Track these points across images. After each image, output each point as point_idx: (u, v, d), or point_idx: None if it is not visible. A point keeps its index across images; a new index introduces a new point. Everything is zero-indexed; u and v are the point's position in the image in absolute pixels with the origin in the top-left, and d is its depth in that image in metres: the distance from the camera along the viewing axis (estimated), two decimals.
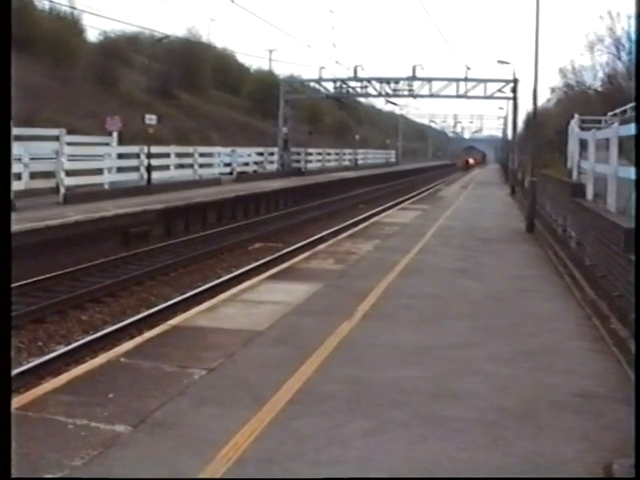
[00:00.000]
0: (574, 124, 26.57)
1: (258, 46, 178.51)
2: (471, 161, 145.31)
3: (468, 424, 7.37)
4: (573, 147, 25.07)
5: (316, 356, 9.54)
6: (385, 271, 16.14)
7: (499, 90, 58.62)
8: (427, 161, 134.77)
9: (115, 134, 35.28)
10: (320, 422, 7.30)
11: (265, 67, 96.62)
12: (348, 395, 8.16)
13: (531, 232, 24.84)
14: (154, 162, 37.05)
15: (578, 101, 49.35)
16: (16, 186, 27.34)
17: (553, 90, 64.51)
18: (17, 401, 7.85)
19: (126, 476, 6.20)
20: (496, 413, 7.69)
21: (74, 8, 57.94)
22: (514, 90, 58.30)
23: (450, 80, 58.55)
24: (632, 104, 20.23)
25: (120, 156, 36.00)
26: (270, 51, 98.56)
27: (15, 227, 19.87)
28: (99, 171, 33.61)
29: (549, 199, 26.59)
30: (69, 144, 31.12)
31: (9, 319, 4.95)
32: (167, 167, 40.19)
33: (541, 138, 36.14)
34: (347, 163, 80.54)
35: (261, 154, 55.89)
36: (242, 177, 47.66)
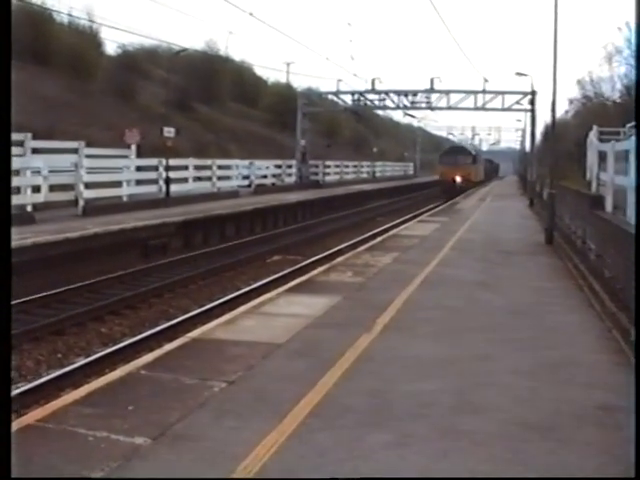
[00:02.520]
0: (592, 136, 26.51)
1: (276, 59, 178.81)
2: (458, 178, 72.43)
3: (489, 437, 7.34)
4: (592, 159, 25.02)
5: (336, 369, 9.52)
6: (404, 284, 16.11)
7: (517, 102, 58.60)
8: None
9: (134, 147, 35.45)
10: (340, 435, 7.28)
11: (283, 80, 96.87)
12: (368, 408, 8.14)
13: (550, 244, 24.72)
14: (172, 175, 37.16)
15: (596, 113, 49.15)
16: (35, 199, 27.52)
17: (571, 102, 64.42)
18: (37, 413, 7.90)
19: None
20: (517, 426, 7.65)
21: (93, 22, 58.30)
22: (532, 102, 58.22)
23: (468, 92, 58.55)
24: None
25: (139, 169, 36.15)
26: (288, 64, 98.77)
27: (35, 239, 19.97)
28: (118, 184, 33.74)
29: (568, 211, 26.51)
30: (88, 157, 31.30)
31: (9, 320, 4.97)
32: (185, 180, 40.32)
33: (560, 150, 36.00)
34: (365, 175, 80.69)
35: (279, 167, 56.01)
36: (260, 190, 47.73)
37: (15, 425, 7.45)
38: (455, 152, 79.90)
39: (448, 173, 73.91)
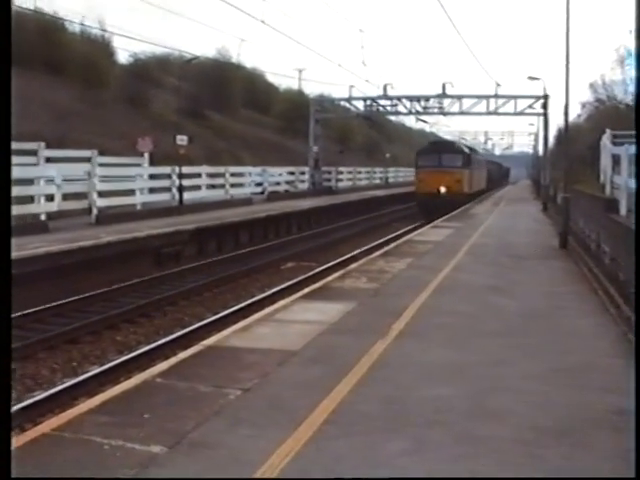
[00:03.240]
0: (606, 139, 26.42)
1: (287, 66, 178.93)
2: (443, 188, 51.67)
3: (504, 443, 7.32)
4: (605, 162, 24.93)
5: (351, 376, 9.51)
6: (419, 289, 16.08)
7: (529, 106, 58.46)
8: None
9: (146, 155, 35.56)
10: (356, 442, 7.27)
11: (294, 86, 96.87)
12: (384, 415, 8.13)
13: (564, 248, 24.66)
14: (185, 182, 37.24)
15: (609, 116, 49.02)
16: (49, 207, 27.61)
17: (584, 105, 64.30)
18: (53, 422, 7.89)
19: None
20: (532, 431, 7.63)
21: (105, 30, 58.47)
22: (545, 106, 58.16)
23: (480, 97, 58.47)
24: None
25: (152, 177, 36.23)
26: (300, 70, 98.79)
27: (48, 248, 20.02)
28: (131, 192, 33.80)
29: (582, 215, 26.43)
30: (101, 165, 31.37)
31: (9, 321, 4.98)
32: (199, 187, 40.43)
33: (573, 154, 35.93)
34: (378, 181, 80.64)
35: (292, 173, 56.07)
36: (273, 196, 47.78)
37: (31, 434, 7.48)
38: (439, 150, 54.65)
39: (428, 181, 51.59)
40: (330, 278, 18.25)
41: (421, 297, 15.27)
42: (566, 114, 27.97)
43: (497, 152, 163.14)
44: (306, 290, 16.49)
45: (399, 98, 60.36)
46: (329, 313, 13.65)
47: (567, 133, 31.21)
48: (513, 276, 18.65)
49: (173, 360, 10.43)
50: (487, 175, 77.50)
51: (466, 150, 58.07)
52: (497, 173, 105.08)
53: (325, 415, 8.00)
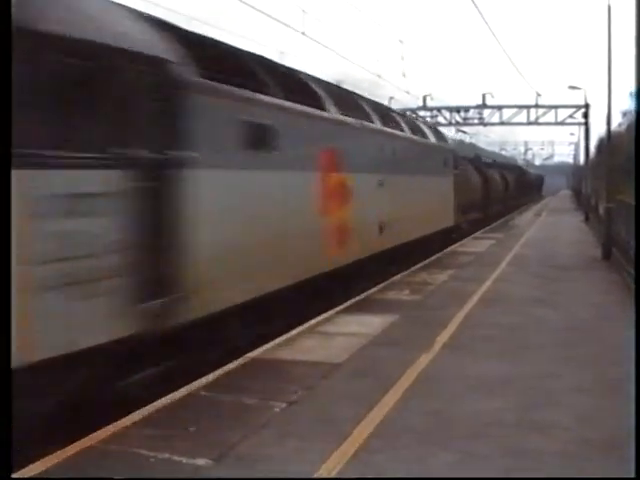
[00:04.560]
0: None
1: (326, 77, 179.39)
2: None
3: (551, 456, 7.24)
4: None
5: (396, 388, 9.49)
6: (462, 301, 16.03)
7: (570, 116, 58.02)
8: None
9: None
10: (402, 455, 7.23)
11: None
12: (430, 428, 8.08)
13: (607, 259, 24.48)
14: None
15: None
16: None
17: (624, 114, 63.73)
18: (99, 434, 7.90)
19: None
20: (580, 445, 7.56)
21: None
22: (586, 115, 57.68)
23: (520, 107, 58.13)
24: None
25: None
26: (338, 82, 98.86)
27: None
28: None
29: (625, 225, 26.19)
30: None
31: (9, 322, 5.00)
32: None
33: (614, 163, 35.64)
34: None
35: None
36: None
37: (78, 445, 7.50)
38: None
39: None
40: (373, 290, 18.21)
41: (464, 309, 15.22)
42: (608, 124, 27.93)
43: (537, 162, 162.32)
44: (349, 302, 16.45)
45: (439, 109, 60.14)
46: (372, 325, 13.64)
47: (609, 142, 31.01)
48: (556, 287, 18.53)
49: (218, 372, 10.44)
50: (484, 185, 48.68)
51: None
52: (520, 182, 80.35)
53: (371, 428, 7.98)
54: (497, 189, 56.73)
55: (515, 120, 59.00)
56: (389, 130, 21.74)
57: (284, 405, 8.85)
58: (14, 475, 6.07)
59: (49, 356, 7.55)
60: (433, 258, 26.00)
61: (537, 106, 57.56)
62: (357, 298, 17.04)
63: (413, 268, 22.95)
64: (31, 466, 6.92)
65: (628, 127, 62.22)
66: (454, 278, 20.21)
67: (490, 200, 50.53)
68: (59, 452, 7.25)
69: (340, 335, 12.93)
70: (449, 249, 29.81)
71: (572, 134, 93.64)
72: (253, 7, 20.71)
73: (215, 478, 6.61)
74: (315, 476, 6.69)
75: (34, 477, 6.42)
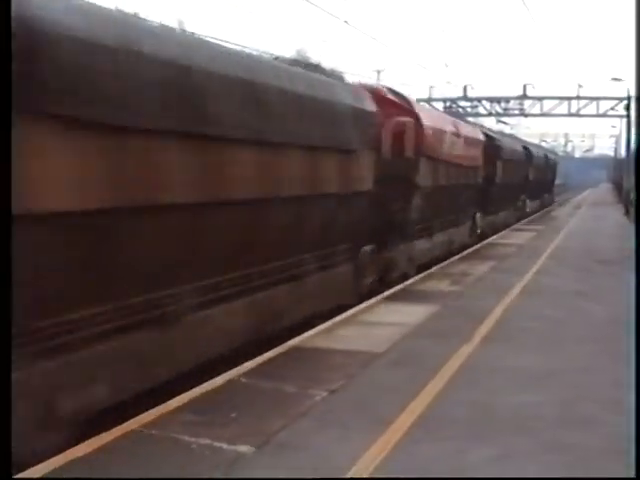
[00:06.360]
0: None
1: (366, 66, 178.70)
2: None
3: (595, 452, 7.13)
4: None
5: (437, 379, 9.43)
6: (502, 293, 15.94)
7: (612, 108, 57.54)
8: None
9: None
10: (444, 447, 7.16)
11: None
12: (471, 420, 8.02)
13: None
14: None
15: None
16: None
17: None
18: (141, 419, 7.90)
19: None
20: (624, 441, 7.45)
21: (185, 31, 58.90)
22: (628, 108, 57.05)
23: (561, 98, 57.75)
24: None
25: None
26: (378, 71, 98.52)
27: None
28: None
29: None
30: None
31: (9, 321, 5.01)
32: None
33: None
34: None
35: None
36: None
37: (121, 429, 7.50)
38: None
39: None
40: (412, 280, 18.15)
41: (505, 301, 15.13)
42: None
43: (577, 154, 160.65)
44: (388, 292, 16.40)
45: (479, 99, 59.85)
46: (413, 315, 13.60)
47: None
48: (598, 280, 18.39)
49: (259, 359, 10.43)
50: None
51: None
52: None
53: (413, 418, 7.93)
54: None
55: (556, 111, 58.63)
56: None
57: (325, 394, 8.82)
58: (15, 476, 6.06)
59: None
60: (474, 249, 25.84)
61: (578, 98, 57.16)
62: (396, 288, 16.99)
63: (452, 259, 22.84)
64: (75, 448, 6.95)
65: None
66: (495, 269, 20.13)
67: None
68: (104, 434, 7.27)
69: (380, 325, 12.90)
70: (489, 240, 29.63)
71: (614, 127, 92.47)
72: None
73: (233, 478, 6.55)
74: (352, 470, 6.66)
75: (34, 477, 6.41)
